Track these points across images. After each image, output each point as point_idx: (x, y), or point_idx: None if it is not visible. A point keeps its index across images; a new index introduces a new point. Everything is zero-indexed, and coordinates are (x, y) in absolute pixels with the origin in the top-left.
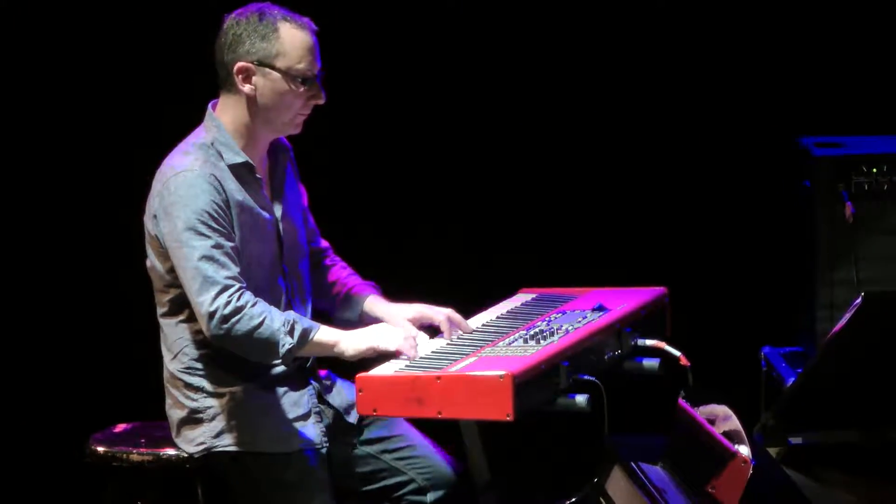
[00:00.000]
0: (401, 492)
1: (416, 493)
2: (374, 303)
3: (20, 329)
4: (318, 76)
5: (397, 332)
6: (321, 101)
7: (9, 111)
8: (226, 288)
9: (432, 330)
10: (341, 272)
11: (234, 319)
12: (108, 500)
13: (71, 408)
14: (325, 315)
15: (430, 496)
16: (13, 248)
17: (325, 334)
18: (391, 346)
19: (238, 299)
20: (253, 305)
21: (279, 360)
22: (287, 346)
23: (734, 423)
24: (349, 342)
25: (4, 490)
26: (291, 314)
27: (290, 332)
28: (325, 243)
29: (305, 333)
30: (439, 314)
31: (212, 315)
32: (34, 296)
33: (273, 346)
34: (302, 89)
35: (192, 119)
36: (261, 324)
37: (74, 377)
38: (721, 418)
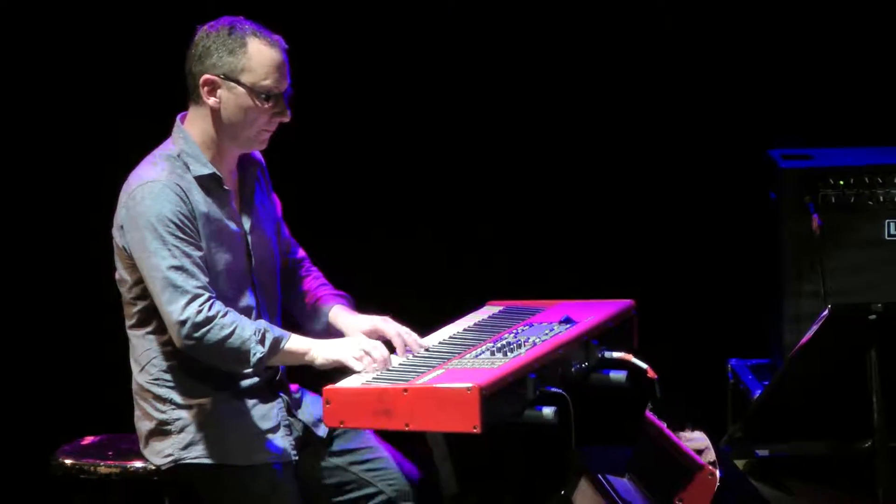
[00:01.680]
0: (370, 503)
1: None
2: (337, 314)
3: None
4: (285, 94)
5: (365, 347)
6: (286, 119)
7: None
8: (196, 297)
9: (389, 344)
10: (313, 283)
11: (204, 329)
12: None
13: (38, 420)
14: (298, 326)
15: None
16: None
17: (296, 343)
18: (357, 365)
19: (209, 309)
20: (224, 315)
21: (250, 370)
22: (258, 356)
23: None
24: (320, 351)
25: None
26: (262, 323)
27: (262, 341)
28: (301, 253)
29: (276, 342)
30: (392, 330)
31: (182, 324)
32: (1, 307)
33: (244, 355)
34: (266, 106)
35: (163, 129)
36: (231, 333)
37: (42, 389)
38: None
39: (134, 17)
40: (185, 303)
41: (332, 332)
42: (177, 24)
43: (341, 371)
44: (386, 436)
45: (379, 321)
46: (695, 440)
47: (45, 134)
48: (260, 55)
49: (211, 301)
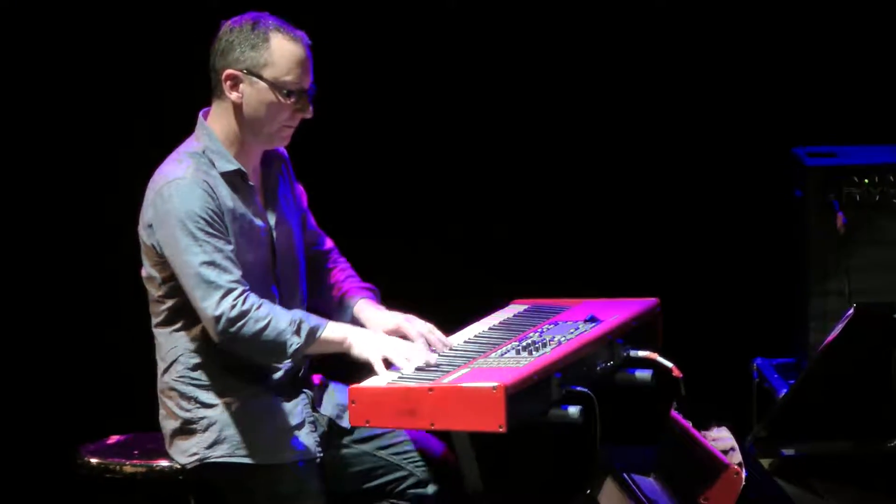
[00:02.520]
0: (401, 486)
1: (416, 486)
2: (362, 308)
3: (13, 339)
4: (308, 90)
5: (404, 351)
6: (308, 115)
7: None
8: (229, 291)
9: None
10: (340, 275)
11: (240, 323)
12: None
13: (63, 419)
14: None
15: (430, 488)
16: (2, 258)
17: (332, 331)
18: (386, 375)
19: (244, 303)
20: (258, 308)
21: (288, 361)
22: (295, 346)
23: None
24: (356, 340)
25: None
26: (298, 313)
27: (297, 332)
28: (329, 244)
29: (313, 332)
30: (414, 331)
31: (218, 319)
32: (27, 305)
33: (280, 347)
34: (288, 101)
35: (187, 126)
36: (267, 325)
37: (67, 388)
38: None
39: (154, 14)
40: (219, 298)
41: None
42: (196, 22)
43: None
44: None
45: (402, 320)
46: (721, 440)
47: (63, 132)
48: (282, 50)
49: (245, 294)
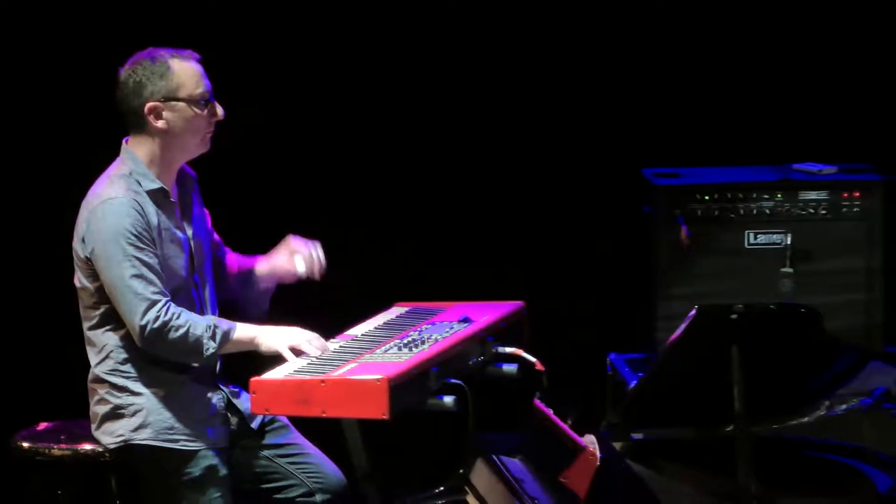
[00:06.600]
0: (291, 494)
1: (305, 495)
2: (259, 264)
3: None
4: (211, 95)
5: (307, 337)
6: (221, 117)
7: None
8: (154, 303)
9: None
10: (233, 255)
11: (163, 331)
12: (31, 492)
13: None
14: (237, 307)
15: (318, 497)
16: None
17: (242, 332)
18: (293, 359)
19: (165, 313)
20: (178, 317)
21: (204, 361)
22: (210, 350)
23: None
24: (265, 337)
25: None
26: (212, 319)
27: (213, 337)
28: (223, 246)
29: (226, 335)
30: (303, 246)
31: (143, 328)
32: None
33: (198, 349)
34: (205, 111)
35: (111, 152)
36: (186, 332)
37: (2, 379)
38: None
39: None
40: (144, 308)
41: (264, 284)
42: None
43: (268, 361)
44: (316, 440)
45: (290, 241)
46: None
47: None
48: (184, 70)
49: (167, 305)
